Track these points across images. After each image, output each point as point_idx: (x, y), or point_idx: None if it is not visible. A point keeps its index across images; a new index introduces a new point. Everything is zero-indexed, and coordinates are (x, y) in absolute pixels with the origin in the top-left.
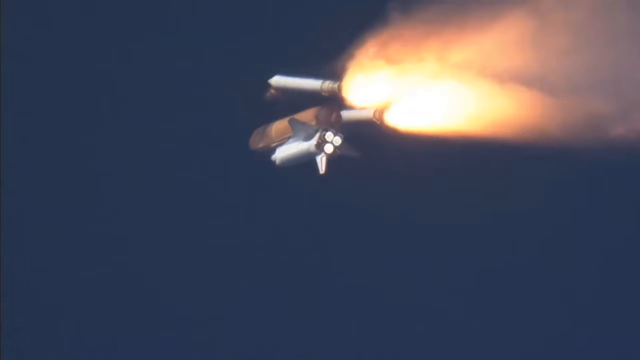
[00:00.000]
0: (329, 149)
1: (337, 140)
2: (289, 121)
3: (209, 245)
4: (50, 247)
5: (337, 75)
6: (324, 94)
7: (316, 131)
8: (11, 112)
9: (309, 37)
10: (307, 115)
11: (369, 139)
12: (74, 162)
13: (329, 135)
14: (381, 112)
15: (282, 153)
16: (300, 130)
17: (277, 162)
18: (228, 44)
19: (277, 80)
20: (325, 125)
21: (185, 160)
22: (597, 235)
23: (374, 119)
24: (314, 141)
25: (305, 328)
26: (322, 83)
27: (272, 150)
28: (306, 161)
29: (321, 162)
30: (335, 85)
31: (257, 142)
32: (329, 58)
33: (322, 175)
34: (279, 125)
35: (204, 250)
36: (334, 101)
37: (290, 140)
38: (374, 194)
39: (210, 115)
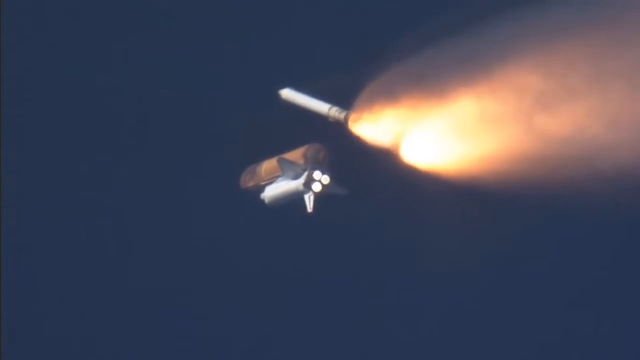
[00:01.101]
0: (316, 187)
1: (325, 179)
2: (277, 160)
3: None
4: (51, 247)
5: (346, 104)
6: (330, 119)
7: (304, 170)
8: (12, 112)
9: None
10: (295, 155)
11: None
12: (75, 162)
13: (316, 174)
14: (396, 146)
15: (271, 192)
16: (288, 170)
17: (266, 200)
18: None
19: (287, 94)
20: (313, 164)
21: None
22: None
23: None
24: (302, 180)
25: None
26: (330, 109)
27: (262, 189)
28: (295, 199)
29: (309, 201)
30: (342, 115)
31: (247, 181)
32: (342, 86)
33: (310, 213)
34: (269, 165)
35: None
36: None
37: (279, 179)
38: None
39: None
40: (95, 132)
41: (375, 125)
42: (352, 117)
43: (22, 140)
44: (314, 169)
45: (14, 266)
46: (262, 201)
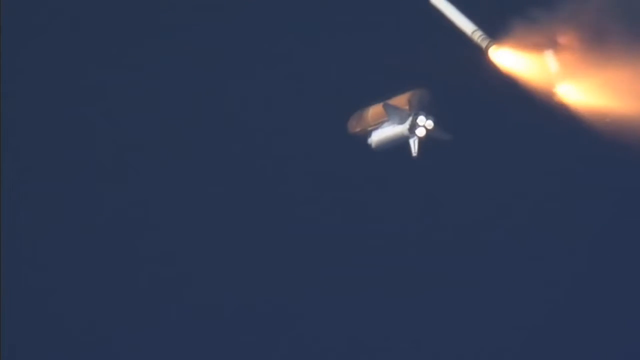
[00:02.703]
0: (421, 132)
1: (430, 124)
2: (383, 105)
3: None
4: (51, 247)
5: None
6: (471, 40)
7: (409, 115)
8: (14, 112)
9: None
10: (400, 100)
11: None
12: (78, 163)
13: (421, 119)
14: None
15: (377, 137)
16: (394, 115)
17: (373, 145)
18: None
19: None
20: (418, 109)
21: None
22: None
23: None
24: (406, 125)
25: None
26: (474, 31)
27: (369, 134)
28: (400, 144)
29: (414, 145)
30: (484, 43)
31: (354, 126)
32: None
33: (415, 157)
34: (375, 110)
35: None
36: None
37: (385, 124)
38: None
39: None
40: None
41: (524, 60)
42: (495, 46)
43: (28, 141)
44: (418, 114)
45: (14, 266)
46: (369, 145)
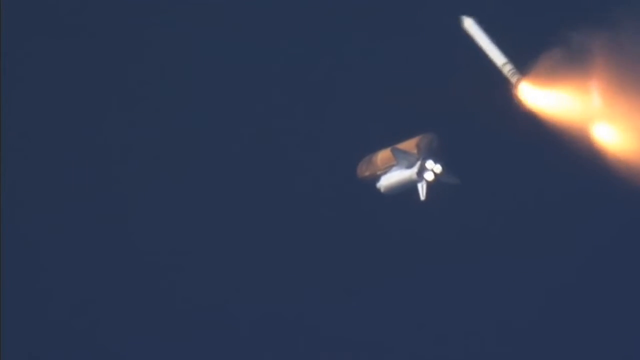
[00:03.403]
0: (429, 176)
1: (438, 168)
2: (391, 150)
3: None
4: (50, 247)
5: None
6: (502, 72)
7: (417, 159)
8: (16, 112)
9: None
10: (409, 144)
11: None
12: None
13: (429, 163)
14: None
15: (387, 181)
16: (402, 159)
17: (382, 189)
18: None
19: (470, 25)
20: (426, 153)
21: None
22: None
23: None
24: (415, 169)
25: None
26: (505, 64)
27: (378, 178)
28: (409, 188)
29: (422, 189)
30: (514, 77)
31: (364, 171)
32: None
33: (423, 201)
34: (384, 155)
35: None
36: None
37: (394, 168)
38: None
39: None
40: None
41: (552, 96)
42: (524, 82)
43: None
44: (427, 158)
45: (14, 265)
46: (379, 190)
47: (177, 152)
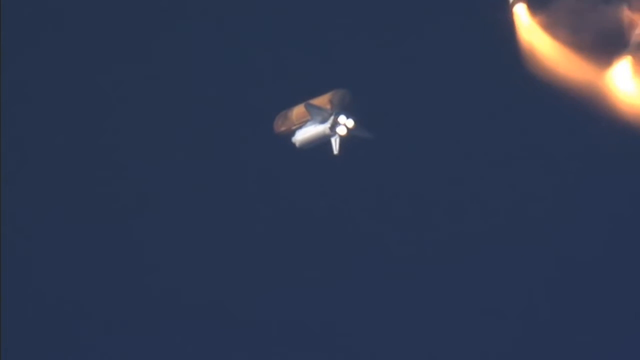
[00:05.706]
0: (342, 130)
1: (350, 122)
2: (305, 105)
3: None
4: (50, 247)
5: None
6: None
7: (330, 115)
8: (16, 112)
9: None
10: (322, 100)
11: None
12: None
13: (341, 118)
14: None
15: (301, 136)
16: (316, 114)
17: (297, 144)
18: None
19: None
20: (339, 108)
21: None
22: None
23: None
24: (328, 124)
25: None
26: None
27: (293, 133)
28: (324, 142)
29: (335, 143)
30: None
31: (279, 126)
32: None
33: (336, 155)
34: (299, 110)
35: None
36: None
37: (308, 123)
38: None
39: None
40: None
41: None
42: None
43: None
44: (339, 113)
45: (14, 265)
46: (294, 144)
47: (177, 152)
